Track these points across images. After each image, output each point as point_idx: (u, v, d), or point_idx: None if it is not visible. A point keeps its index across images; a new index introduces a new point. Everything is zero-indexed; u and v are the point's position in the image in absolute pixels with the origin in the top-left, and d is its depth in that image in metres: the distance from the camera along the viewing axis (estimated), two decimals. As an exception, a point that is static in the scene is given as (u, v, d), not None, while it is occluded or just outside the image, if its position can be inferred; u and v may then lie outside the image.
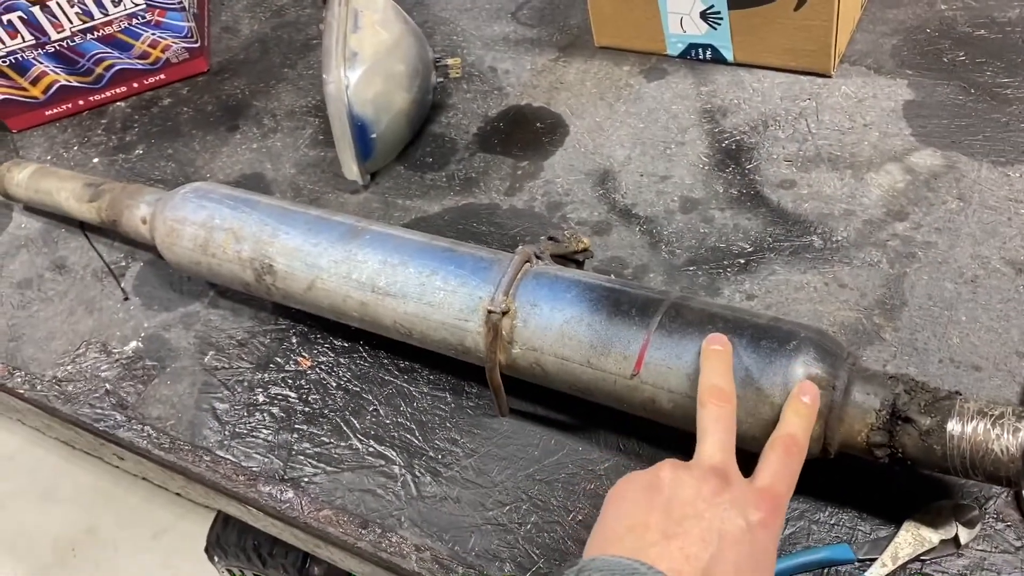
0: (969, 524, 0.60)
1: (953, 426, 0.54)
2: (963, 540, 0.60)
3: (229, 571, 1.20)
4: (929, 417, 0.55)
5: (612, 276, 0.81)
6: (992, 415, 0.54)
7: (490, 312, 0.67)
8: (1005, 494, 0.62)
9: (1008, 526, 0.61)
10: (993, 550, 0.60)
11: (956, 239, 0.77)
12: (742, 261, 0.80)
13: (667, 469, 0.53)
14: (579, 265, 0.78)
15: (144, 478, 1.77)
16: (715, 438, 0.54)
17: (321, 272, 0.76)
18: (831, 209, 0.82)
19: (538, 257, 0.72)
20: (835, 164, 0.85)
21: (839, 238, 0.80)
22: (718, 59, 0.99)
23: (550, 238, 0.75)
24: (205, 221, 0.82)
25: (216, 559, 1.17)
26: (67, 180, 0.97)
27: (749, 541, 0.49)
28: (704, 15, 0.94)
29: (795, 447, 0.54)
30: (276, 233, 0.78)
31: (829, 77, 0.93)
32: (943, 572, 0.60)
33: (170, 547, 1.69)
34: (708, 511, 0.50)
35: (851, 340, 0.72)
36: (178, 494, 1.75)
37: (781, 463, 0.53)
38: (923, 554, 0.60)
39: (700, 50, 0.99)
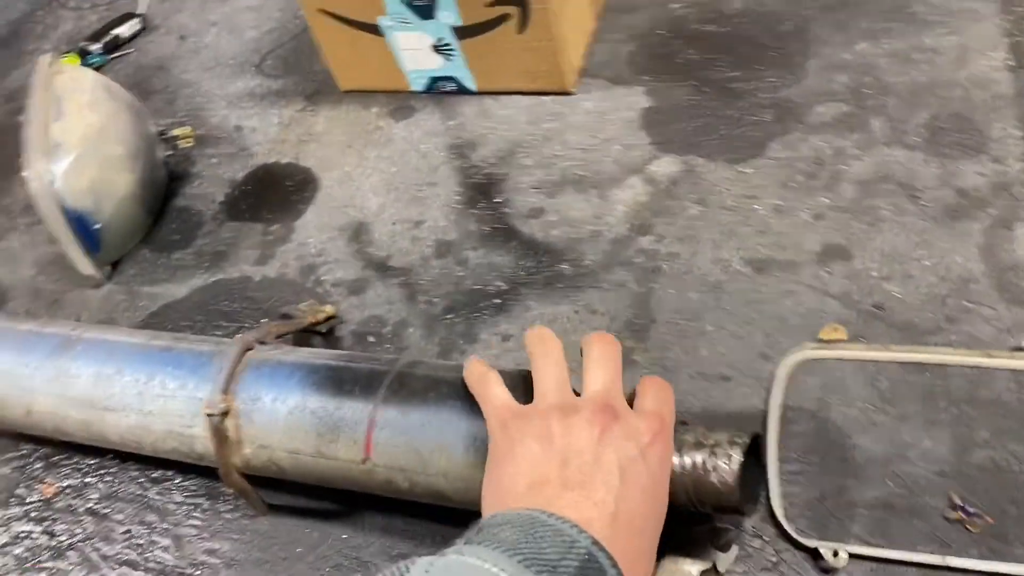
0: (724, 548, 0.58)
1: (675, 462, 0.52)
2: (721, 567, 0.58)
3: None
4: (653, 456, 0.53)
5: (349, 347, 0.77)
6: (708, 445, 0.52)
7: (209, 415, 0.62)
8: (761, 509, 0.61)
9: (766, 542, 0.60)
10: (752, 569, 0.59)
11: (697, 246, 0.76)
12: (498, 301, 0.78)
13: (555, 418, 0.51)
14: (326, 335, 0.73)
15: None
16: (601, 376, 0.54)
17: (36, 394, 0.69)
18: (579, 233, 0.80)
19: (261, 343, 0.66)
20: (580, 185, 0.84)
21: (588, 262, 0.78)
22: (463, 90, 0.96)
23: (283, 315, 0.70)
24: (-97, 357, 0.73)
25: None
26: None
27: (644, 464, 0.49)
28: (437, 48, 0.92)
29: (656, 379, 0.55)
30: (-17, 358, 0.71)
31: (571, 94, 0.92)
32: (706, 604, 0.58)
33: None
34: (604, 453, 0.49)
35: (605, 369, 0.70)
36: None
37: (656, 391, 0.54)
38: (685, 589, 0.58)
39: (444, 82, 0.96)
